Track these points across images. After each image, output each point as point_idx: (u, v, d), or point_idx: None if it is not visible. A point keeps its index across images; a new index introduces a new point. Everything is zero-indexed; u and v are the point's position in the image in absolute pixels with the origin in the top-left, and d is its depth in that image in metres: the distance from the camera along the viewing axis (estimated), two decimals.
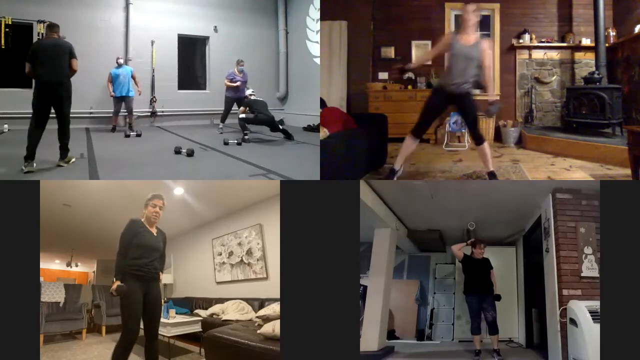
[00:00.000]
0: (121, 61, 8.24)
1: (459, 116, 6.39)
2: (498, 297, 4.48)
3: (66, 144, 4.75)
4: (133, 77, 8.24)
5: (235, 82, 7.98)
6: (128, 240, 3.13)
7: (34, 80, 4.77)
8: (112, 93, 8.08)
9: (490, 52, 4.19)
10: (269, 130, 7.39)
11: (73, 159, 4.87)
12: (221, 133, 7.84)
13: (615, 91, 5.97)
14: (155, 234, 3.27)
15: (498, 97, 4.19)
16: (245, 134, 7.01)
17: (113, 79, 8.07)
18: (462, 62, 4.10)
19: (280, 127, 7.43)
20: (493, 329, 4.35)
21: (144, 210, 3.28)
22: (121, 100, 8.11)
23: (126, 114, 8.23)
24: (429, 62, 7.03)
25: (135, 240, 3.13)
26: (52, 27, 4.80)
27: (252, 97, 7.44)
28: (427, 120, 4.39)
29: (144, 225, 3.23)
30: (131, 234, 3.14)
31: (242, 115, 7.19)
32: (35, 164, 4.48)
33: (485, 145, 4.38)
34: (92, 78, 8.37)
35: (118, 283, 3.01)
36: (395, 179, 4.50)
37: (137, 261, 3.10)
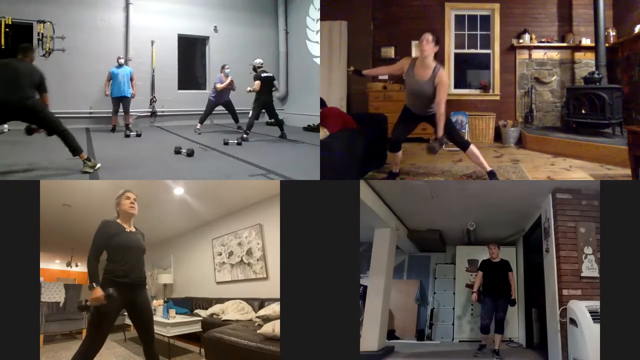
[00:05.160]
0: (122, 61, 8.23)
1: (458, 116, 6.41)
2: (512, 302, 4.55)
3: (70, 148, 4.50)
4: (131, 79, 8.23)
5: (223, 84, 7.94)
6: (103, 242, 2.82)
7: None
8: (107, 93, 8.10)
9: (444, 87, 3.96)
10: (264, 121, 7.25)
11: (98, 165, 4.59)
12: (199, 134, 7.79)
13: (615, 91, 5.97)
14: (135, 230, 3.02)
15: (439, 137, 4.11)
16: (247, 133, 7.01)
17: (112, 78, 8.07)
18: (417, 96, 4.09)
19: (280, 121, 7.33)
20: (498, 328, 4.46)
21: (116, 209, 3.00)
22: (119, 100, 8.11)
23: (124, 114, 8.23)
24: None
25: (115, 241, 2.84)
26: (25, 50, 4.48)
27: (262, 71, 7.14)
28: (400, 134, 4.44)
29: (120, 225, 2.94)
30: (107, 236, 2.84)
31: (251, 112, 7.09)
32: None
33: (472, 148, 4.38)
34: (92, 78, 8.39)
35: (100, 291, 2.66)
36: (397, 179, 4.52)
37: (121, 267, 2.81)
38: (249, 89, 7.01)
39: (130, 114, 8.28)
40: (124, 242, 2.88)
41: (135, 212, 3.03)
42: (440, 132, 4.01)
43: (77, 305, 3.82)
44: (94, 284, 2.70)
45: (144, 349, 3.05)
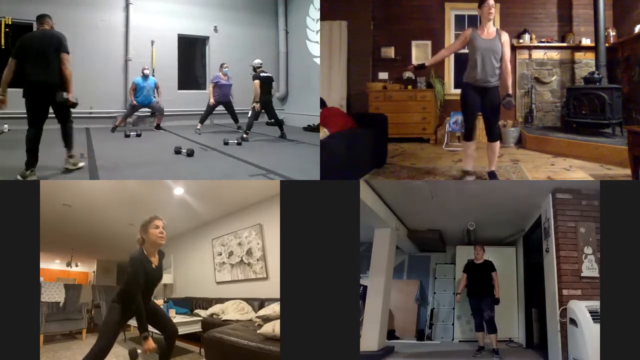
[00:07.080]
0: (147, 72, 8.25)
1: (458, 116, 6.40)
2: (496, 301, 4.55)
3: (67, 141, 4.54)
4: (157, 87, 8.40)
5: (220, 85, 8.01)
6: (141, 278, 2.83)
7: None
8: (134, 102, 8.17)
9: (509, 45, 4.23)
10: (264, 121, 7.31)
11: (81, 164, 4.62)
12: (199, 134, 7.82)
13: (615, 91, 5.96)
14: (158, 263, 3.03)
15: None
16: (247, 133, 7.01)
17: (137, 89, 8.11)
18: (485, 56, 4.10)
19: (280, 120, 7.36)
20: (490, 328, 4.47)
21: (141, 236, 2.94)
22: (142, 107, 8.22)
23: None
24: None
25: (143, 280, 2.86)
26: (41, 19, 4.31)
27: (261, 72, 7.21)
28: (472, 118, 4.33)
29: (147, 257, 2.92)
30: (143, 272, 2.84)
31: (251, 112, 7.13)
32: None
33: (498, 144, 4.40)
34: (92, 78, 8.38)
35: (152, 343, 2.74)
36: (473, 178, 4.47)
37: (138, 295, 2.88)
38: (254, 104, 7.02)
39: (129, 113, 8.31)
40: (149, 281, 2.93)
41: (164, 243, 2.99)
42: (509, 88, 4.24)
43: (128, 353, 3.98)
44: (145, 333, 2.78)
45: (165, 341, 3.21)
